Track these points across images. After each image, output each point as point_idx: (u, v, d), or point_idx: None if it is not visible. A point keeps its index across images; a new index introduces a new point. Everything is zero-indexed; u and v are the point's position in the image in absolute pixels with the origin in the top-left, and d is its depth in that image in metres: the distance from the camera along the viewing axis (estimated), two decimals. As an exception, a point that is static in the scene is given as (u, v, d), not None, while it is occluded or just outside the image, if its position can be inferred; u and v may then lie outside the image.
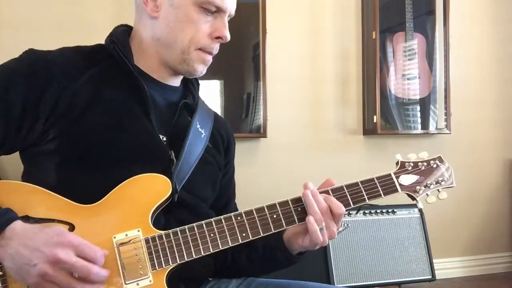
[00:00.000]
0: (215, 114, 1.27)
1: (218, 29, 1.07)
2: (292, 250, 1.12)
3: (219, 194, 1.23)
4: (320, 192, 1.05)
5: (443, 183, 1.12)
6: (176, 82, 1.17)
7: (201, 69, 1.11)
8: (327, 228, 1.02)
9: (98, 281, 0.86)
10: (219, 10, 1.07)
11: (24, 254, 0.84)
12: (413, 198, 1.11)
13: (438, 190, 1.12)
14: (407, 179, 1.11)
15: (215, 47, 1.10)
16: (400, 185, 1.10)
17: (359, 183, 1.08)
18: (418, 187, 1.11)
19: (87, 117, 1.00)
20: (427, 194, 1.11)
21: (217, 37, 1.08)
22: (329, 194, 1.05)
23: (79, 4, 2.13)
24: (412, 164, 1.12)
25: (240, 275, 1.20)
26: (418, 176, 1.11)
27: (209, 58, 1.11)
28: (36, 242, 0.85)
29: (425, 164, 1.13)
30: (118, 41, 1.08)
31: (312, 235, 1.01)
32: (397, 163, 1.13)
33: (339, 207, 1.03)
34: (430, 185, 1.11)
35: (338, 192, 1.06)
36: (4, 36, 2.01)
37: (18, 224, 0.88)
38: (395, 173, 1.11)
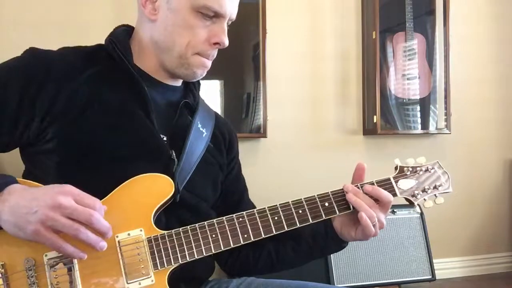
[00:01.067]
0: (216, 114, 1.27)
1: (216, 35, 1.06)
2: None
3: (230, 192, 1.23)
4: (361, 185, 1.08)
5: (440, 188, 1.13)
6: (176, 82, 1.17)
7: (201, 73, 1.11)
8: (378, 220, 1.05)
9: (99, 229, 0.86)
10: (217, 15, 1.05)
11: (23, 204, 0.84)
12: (411, 203, 1.12)
13: (435, 195, 1.13)
14: (406, 184, 1.12)
15: (212, 53, 1.09)
16: (399, 189, 1.11)
17: (359, 187, 1.08)
18: (416, 192, 1.12)
19: (86, 117, 1.00)
20: (424, 199, 1.12)
21: (215, 43, 1.07)
22: (374, 185, 1.08)
23: (79, 4, 2.13)
24: (410, 169, 1.13)
25: (283, 268, 1.21)
26: (416, 181, 1.13)
27: (208, 63, 1.10)
28: (35, 194, 0.85)
29: (423, 169, 1.14)
30: (118, 41, 1.08)
31: (365, 228, 1.03)
32: (395, 168, 1.14)
33: (388, 196, 1.06)
34: (428, 190, 1.13)
35: (338, 194, 1.07)
36: (4, 36, 2.01)
37: (18, 185, 0.89)
38: (394, 178, 1.12)
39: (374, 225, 1.04)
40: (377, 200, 1.06)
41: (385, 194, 1.06)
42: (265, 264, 1.21)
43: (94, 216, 0.84)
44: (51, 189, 0.86)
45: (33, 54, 1.03)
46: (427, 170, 1.14)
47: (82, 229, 0.84)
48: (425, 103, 2.67)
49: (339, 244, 1.17)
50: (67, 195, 0.85)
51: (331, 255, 2.16)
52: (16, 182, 0.91)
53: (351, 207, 1.06)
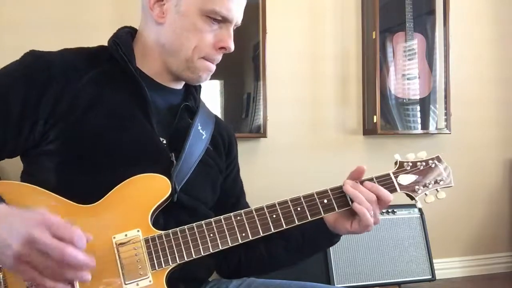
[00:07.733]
0: (216, 117, 1.27)
1: (223, 40, 1.07)
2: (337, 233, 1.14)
3: (226, 195, 1.22)
4: (362, 181, 1.07)
5: (441, 182, 1.12)
6: (178, 85, 1.17)
7: (205, 77, 1.11)
8: (374, 215, 1.05)
9: (76, 265, 0.79)
10: (224, 20, 1.06)
11: (0, 234, 0.79)
12: (412, 198, 1.11)
13: (436, 189, 1.12)
14: (406, 179, 1.11)
15: (217, 58, 1.10)
16: (399, 184, 1.10)
17: (359, 183, 1.07)
18: (416, 187, 1.10)
19: (88, 119, 1.00)
20: (425, 193, 1.11)
21: (221, 48, 1.07)
22: (374, 182, 1.08)
23: (79, 4, 2.13)
24: (410, 164, 1.12)
25: (276, 268, 1.20)
26: (417, 176, 1.11)
27: (213, 67, 1.11)
28: (13, 222, 0.80)
29: (424, 164, 1.13)
30: (121, 43, 1.08)
31: (363, 218, 1.03)
32: (395, 163, 1.13)
33: (387, 195, 1.06)
34: (429, 184, 1.11)
35: (337, 191, 1.07)
36: (4, 36, 2.01)
37: (1, 207, 0.85)
38: (394, 173, 1.11)
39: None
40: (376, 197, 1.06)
41: (384, 192, 1.06)
42: (257, 266, 1.20)
43: (66, 253, 0.77)
44: (30, 218, 0.79)
45: (34, 56, 1.03)
46: (427, 164, 1.13)
47: (56, 269, 0.78)
48: (425, 103, 2.67)
49: (330, 239, 1.15)
50: (43, 227, 0.78)
51: (331, 255, 2.17)
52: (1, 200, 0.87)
53: (349, 203, 1.05)
